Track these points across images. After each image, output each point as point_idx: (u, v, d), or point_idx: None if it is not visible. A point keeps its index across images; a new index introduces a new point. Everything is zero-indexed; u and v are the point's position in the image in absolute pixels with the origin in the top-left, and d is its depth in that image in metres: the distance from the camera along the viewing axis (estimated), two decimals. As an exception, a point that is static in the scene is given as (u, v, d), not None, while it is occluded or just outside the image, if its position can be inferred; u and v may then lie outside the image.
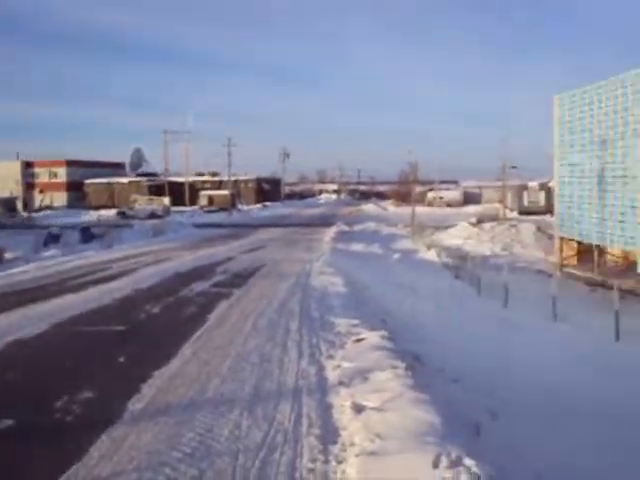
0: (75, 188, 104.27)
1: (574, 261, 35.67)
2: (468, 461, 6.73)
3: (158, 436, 8.12)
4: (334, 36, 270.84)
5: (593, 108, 30.95)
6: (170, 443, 7.86)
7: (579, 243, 34.96)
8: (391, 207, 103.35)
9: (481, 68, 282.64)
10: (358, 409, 8.76)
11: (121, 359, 12.03)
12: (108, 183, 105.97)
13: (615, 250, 32.27)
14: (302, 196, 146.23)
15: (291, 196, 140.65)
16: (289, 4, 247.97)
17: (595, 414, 11.46)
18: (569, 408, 11.78)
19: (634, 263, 27.72)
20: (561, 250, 36.05)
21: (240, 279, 23.51)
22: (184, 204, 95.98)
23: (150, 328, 15.15)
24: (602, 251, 32.97)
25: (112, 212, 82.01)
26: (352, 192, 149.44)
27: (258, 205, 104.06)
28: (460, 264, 33.81)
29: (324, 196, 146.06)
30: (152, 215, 74.31)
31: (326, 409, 9.06)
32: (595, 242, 31.45)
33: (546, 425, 10.68)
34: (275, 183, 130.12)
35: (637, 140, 26.66)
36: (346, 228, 55.74)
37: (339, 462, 7.25)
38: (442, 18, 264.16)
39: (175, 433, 8.20)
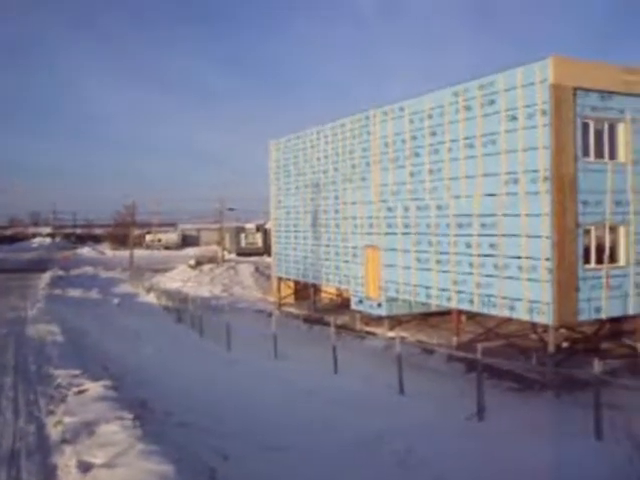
0: None
1: (292, 300, 37.13)
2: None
3: None
4: (54, 68, 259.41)
5: (307, 153, 32.73)
6: None
7: (296, 282, 36.46)
8: (109, 250, 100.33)
9: (200, 111, 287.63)
10: (85, 467, 8.19)
11: None
12: None
13: (330, 288, 34.13)
14: (13, 240, 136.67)
15: (1, 240, 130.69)
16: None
17: (320, 445, 11.87)
18: (292, 441, 12.07)
19: (348, 300, 29.46)
20: (279, 290, 37.32)
21: (-59, 332, 21.29)
22: None
23: None
24: (318, 289, 34.70)
25: None
26: (68, 236, 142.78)
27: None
28: (181, 307, 33.70)
29: (38, 240, 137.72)
30: None
31: (49, 472, 8.37)
32: (311, 281, 33.01)
33: (274, 461, 10.83)
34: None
35: (348, 184, 28.60)
36: (62, 273, 53.36)
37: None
38: (161, 57, 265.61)
39: None
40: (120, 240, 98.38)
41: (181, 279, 50.48)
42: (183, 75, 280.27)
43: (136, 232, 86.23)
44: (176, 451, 8.97)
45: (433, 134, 22.86)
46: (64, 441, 9.42)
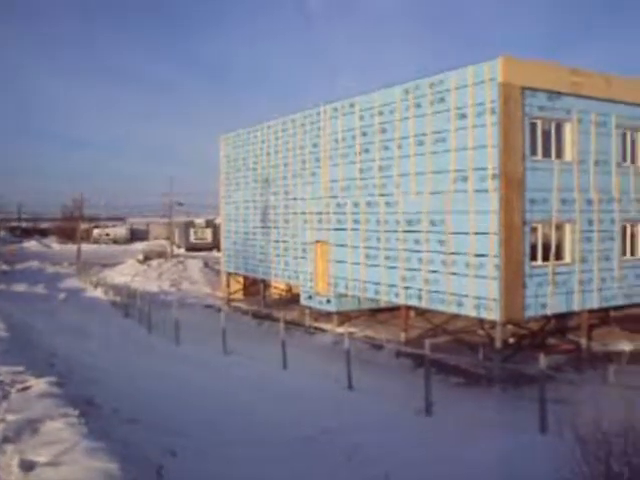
0: None
1: (241, 295, 37.06)
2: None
3: None
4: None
5: (257, 148, 32.59)
6: None
7: (245, 278, 36.38)
8: (56, 244, 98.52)
9: (149, 104, 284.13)
10: (28, 466, 7.98)
11: None
12: None
13: (280, 284, 34.11)
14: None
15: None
16: None
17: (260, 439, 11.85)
18: (240, 437, 12.02)
19: (297, 295, 29.48)
20: (228, 285, 37.18)
21: None
22: None
23: None
24: (268, 285, 34.65)
25: None
26: (13, 229, 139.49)
27: None
28: (129, 302, 33.33)
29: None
30: None
31: (-10, 471, 8.15)
32: (260, 276, 32.93)
33: (221, 457, 10.77)
34: None
35: (298, 179, 28.57)
36: (7, 268, 52.36)
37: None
38: (110, 52, 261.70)
39: None
40: (67, 234, 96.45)
41: (129, 274, 49.85)
42: (131, 69, 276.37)
43: (84, 226, 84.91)
44: (122, 448, 8.83)
45: (383, 131, 22.98)
46: (6, 439, 9.17)
